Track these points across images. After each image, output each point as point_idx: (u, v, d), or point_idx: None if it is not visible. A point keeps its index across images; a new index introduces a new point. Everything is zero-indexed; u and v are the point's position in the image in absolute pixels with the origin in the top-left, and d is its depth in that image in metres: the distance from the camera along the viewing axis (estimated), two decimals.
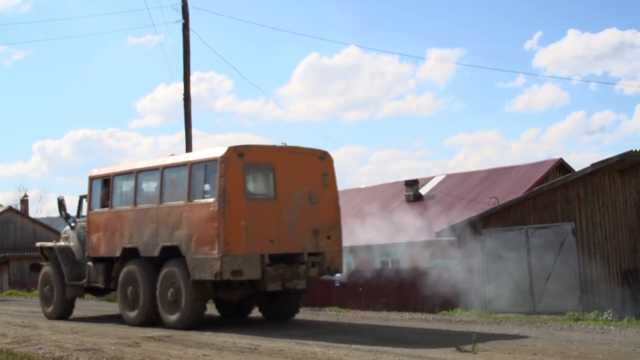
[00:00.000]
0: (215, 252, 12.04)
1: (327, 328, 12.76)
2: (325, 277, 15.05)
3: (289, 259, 12.74)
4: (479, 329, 12.50)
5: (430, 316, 15.64)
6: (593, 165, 16.14)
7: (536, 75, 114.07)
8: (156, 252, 13.18)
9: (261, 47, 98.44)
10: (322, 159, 13.51)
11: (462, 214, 24.03)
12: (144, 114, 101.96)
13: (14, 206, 52.61)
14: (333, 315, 16.16)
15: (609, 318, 14.50)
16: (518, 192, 22.63)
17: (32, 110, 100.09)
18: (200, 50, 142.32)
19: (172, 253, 12.89)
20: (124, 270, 13.78)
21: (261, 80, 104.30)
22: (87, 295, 17.32)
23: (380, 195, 32.80)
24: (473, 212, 21.12)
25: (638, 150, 15.96)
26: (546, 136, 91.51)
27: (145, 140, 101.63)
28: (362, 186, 35.72)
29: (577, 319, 14.69)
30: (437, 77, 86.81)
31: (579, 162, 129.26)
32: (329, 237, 13.19)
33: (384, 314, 16.19)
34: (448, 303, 17.95)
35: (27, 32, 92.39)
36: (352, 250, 28.39)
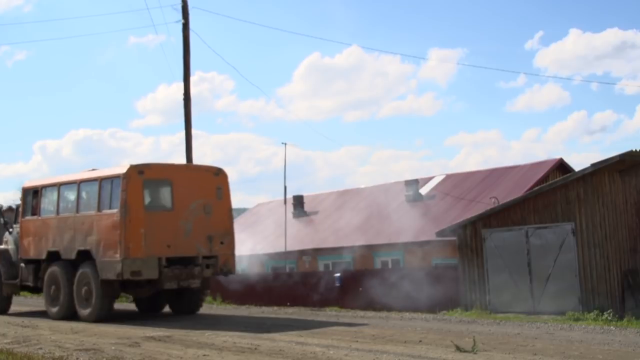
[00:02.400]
0: (118, 255, 14.01)
1: (325, 328, 12.77)
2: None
3: (185, 262, 14.69)
4: (479, 329, 12.51)
5: (430, 316, 15.65)
6: (593, 165, 16.14)
7: (537, 75, 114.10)
8: (73, 255, 15.09)
9: (262, 47, 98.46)
10: (217, 174, 15.59)
11: (462, 214, 24.04)
12: (144, 113, 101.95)
13: (14, 206, 52.54)
14: (333, 315, 16.16)
15: (609, 318, 14.51)
16: (518, 192, 22.62)
17: (33, 110, 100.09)
18: (202, 51, 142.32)
19: (86, 256, 14.80)
20: (48, 270, 15.68)
21: (262, 80, 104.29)
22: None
23: (380, 195, 32.80)
24: (473, 212, 21.11)
25: (638, 150, 15.97)
26: (547, 136, 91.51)
27: (146, 140, 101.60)
28: (362, 186, 35.73)
29: (577, 319, 14.70)
30: (438, 77, 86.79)
31: (579, 162, 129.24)
32: (222, 243, 15.25)
33: (384, 314, 16.20)
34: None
35: (28, 32, 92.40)
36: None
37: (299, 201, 35.36)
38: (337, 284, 20.90)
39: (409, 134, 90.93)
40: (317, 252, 30.19)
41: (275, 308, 18.61)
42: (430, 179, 31.98)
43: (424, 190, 30.74)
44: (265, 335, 11.31)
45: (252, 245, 33.44)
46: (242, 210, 45.86)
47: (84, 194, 15.36)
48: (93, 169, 15.97)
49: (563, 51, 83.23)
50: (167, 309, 17.03)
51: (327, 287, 21.00)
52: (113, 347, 10.02)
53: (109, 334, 11.77)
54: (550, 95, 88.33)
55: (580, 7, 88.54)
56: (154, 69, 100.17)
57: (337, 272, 21.78)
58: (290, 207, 33.76)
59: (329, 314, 16.60)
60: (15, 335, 11.97)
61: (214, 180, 15.45)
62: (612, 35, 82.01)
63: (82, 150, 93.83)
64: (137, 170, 14.29)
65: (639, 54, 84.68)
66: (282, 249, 29.94)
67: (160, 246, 14.32)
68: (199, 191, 15.06)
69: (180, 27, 23.57)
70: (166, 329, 12.46)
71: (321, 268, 29.37)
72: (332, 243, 29.95)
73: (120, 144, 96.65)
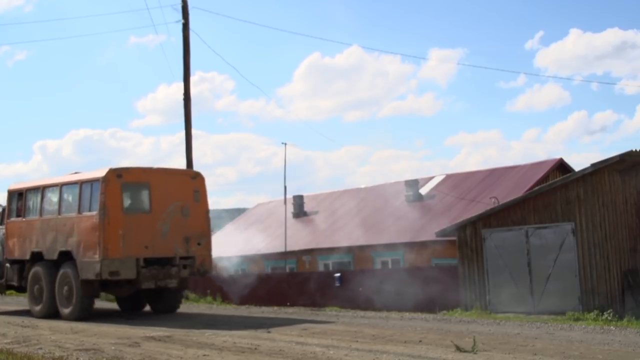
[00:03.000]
0: (97, 256, 14.50)
1: (325, 328, 12.77)
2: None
3: (163, 262, 15.18)
4: (479, 329, 12.51)
5: (430, 316, 15.65)
6: (593, 165, 16.14)
7: (537, 75, 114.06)
8: (55, 256, 15.55)
9: (262, 47, 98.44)
10: (194, 178, 16.15)
11: (462, 214, 24.04)
12: (145, 113, 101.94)
13: None
14: (333, 315, 16.16)
15: (609, 318, 14.50)
16: (518, 192, 22.63)
17: (33, 110, 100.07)
18: (202, 51, 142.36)
19: (67, 257, 15.26)
20: (32, 270, 16.15)
21: (262, 80, 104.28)
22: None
23: (380, 195, 32.80)
24: (473, 212, 21.11)
25: (638, 150, 15.97)
26: (547, 136, 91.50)
27: (147, 140, 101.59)
28: (362, 186, 35.73)
29: (577, 319, 14.70)
30: (438, 77, 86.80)
31: (579, 162, 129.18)
32: (199, 244, 15.74)
33: (384, 314, 16.19)
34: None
35: (29, 32, 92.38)
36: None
37: (299, 201, 35.36)
38: (337, 284, 20.92)
39: (409, 134, 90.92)
40: (317, 252, 30.18)
41: (276, 308, 18.62)
42: (430, 179, 31.98)
43: (424, 190, 30.73)
44: (265, 335, 11.32)
45: (252, 246, 33.45)
46: (242, 210, 45.85)
47: (65, 197, 15.81)
48: (75, 172, 16.57)
49: (563, 51, 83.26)
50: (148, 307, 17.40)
51: (320, 286, 21.11)
52: (113, 347, 10.02)
53: (109, 334, 11.77)
54: (551, 95, 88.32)
55: (580, 7, 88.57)
56: (154, 69, 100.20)
57: (336, 273, 21.81)
58: (290, 207, 33.76)
59: (329, 313, 16.60)
60: (15, 335, 11.97)
61: (192, 183, 15.95)
62: (612, 35, 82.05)
63: (82, 151, 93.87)
64: (116, 174, 14.82)
65: (639, 54, 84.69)
66: (282, 249, 29.94)
67: (138, 247, 14.81)
68: (177, 194, 15.53)
69: (180, 27, 23.58)
70: (166, 329, 12.46)
71: (321, 268, 29.38)
72: (332, 243, 29.94)
73: (121, 144, 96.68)
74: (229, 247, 34.68)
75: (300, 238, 31.81)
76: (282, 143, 30.70)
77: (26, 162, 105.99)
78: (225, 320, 14.70)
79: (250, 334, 11.51)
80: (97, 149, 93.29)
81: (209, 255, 16.05)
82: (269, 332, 11.89)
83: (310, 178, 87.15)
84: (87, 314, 15.02)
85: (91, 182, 15.06)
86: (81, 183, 15.31)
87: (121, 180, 14.84)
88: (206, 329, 12.54)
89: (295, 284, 22.44)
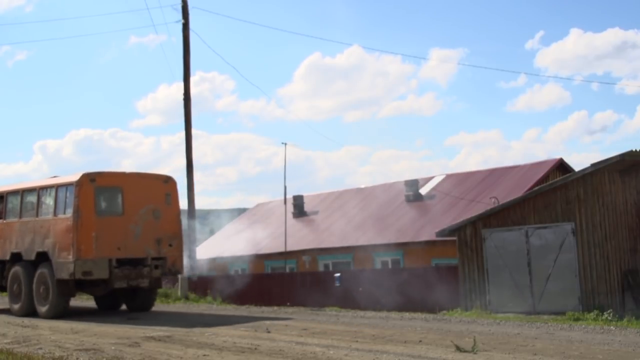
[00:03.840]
0: (71, 257, 15.08)
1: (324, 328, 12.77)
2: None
3: (135, 263, 15.80)
4: (479, 329, 12.50)
5: (430, 316, 15.65)
6: (593, 165, 16.14)
7: (537, 75, 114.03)
8: (33, 257, 16.09)
9: (263, 47, 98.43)
10: (166, 182, 16.69)
11: (462, 214, 24.04)
12: (145, 113, 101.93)
13: None
14: (333, 315, 16.16)
15: (609, 318, 14.50)
16: (518, 192, 22.63)
17: (34, 110, 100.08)
18: (202, 51, 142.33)
19: (44, 257, 15.82)
20: (12, 271, 16.65)
21: (262, 80, 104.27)
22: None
23: (380, 195, 32.80)
24: (473, 212, 21.11)
25: (638, 150, 15.96)
26: (547, 136, 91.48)
27: (147, 140, 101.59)
28: (362, 186, 35.72)
29: (577, 319, 14.69)
30: (439, 77, 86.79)
31: (579, 162, 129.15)
32: (170, 245, 16.34)
33: (384, 314, 16.19)
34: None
35: (29, 32, 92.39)
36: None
37: (299, 201, 35.36)
38: (337, 284, 20.94)
39: (410, 134, 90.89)
40: (317, 252, 30.18)
41: (275, 308, 18.61)
42: (430, 179, 31.98)
43: (424, 190, 30.74)
44: (265, 335, 11.32)
45: (252, 246, 33.44)
46: (242, 210, 45.86)
47: (43, 200, 16.41)
48: (54, 177, 17.17)
49: (563, 51, 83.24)
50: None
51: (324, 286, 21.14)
52: (113, 347, 10.02)
53: (109, 334, 11.77)
54: (551, 95, 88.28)
55: (581, 6, 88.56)
56: (155, 68, 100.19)
57: (336, 273, 21.83)
58: (290, 207, 33.76)
59: (329, 313, 16.60)
60: (15, 335, 11.97)
61: (164, 187, 16.57)
62: (612, 35, 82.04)
63: (82, 150, 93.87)
64: (89, 179, 15.45)
65: None
66: (282, 249, 29.94)
67: (110, 248, 15.44)
68: (149, 197, 16.17)
69: (180, 27, 23.60)
70: (166, 329, 12.46)
71: (321, 268, 29.39)
72: (332, 243, 29.95)
73: (121, 144, 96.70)
74: (229, 247, 34.69)
75: (300, 238, 31.81)
76: (282, 143, 30.69)
77: (26, 162, 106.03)
78: (225, 320, 14.70)
79: (250, 334, 11.51)
80: (98, 149, 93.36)
81: (180, 256, 16.74)
82: (269, 332, 11.89)
83: (311, 178, 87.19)
84: (62, 313, 15.58)
85: (66, 186, 15.67)
86: (57, 187, 15.92)
87: (94, 184, 15.46)
88: (206, 328, 12.54)
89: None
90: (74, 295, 16.70)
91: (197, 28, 53.28)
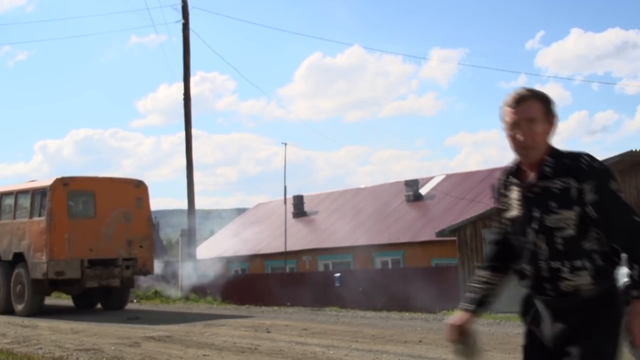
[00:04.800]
0: (44, 257, 15.79)
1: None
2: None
3: (106, 263, 16.56)
4: (479, 329, 12.49)
5: (430, 316, 15.65)
6: None
7: (537, 75, 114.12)
8: (10, 257, 16.80)
9: (263, 47, 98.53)
10: (137, 186, 17.51)
11: (462, 214, 24.05)
12: (145, 113, 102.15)
13: None
14: (333, 315, 16.17)
15: None
16: None
17: (34, 110, 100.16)
18: (203, 51, 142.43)
19: (20, 258, 16.55)
20: None
21: (263, 80, 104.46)
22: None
23: (380, 195, 32.81)
24: (473, 212, 21.12)
25: (638, 150, 15.97)
26: None
27: (148, 140, 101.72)
28: (362, 186, 35.73)
29: None
30: (439, 77, 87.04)
31: None
32: (141, 246, 17.15)
33: (384, 314, 16.20)
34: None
35: (30, 32, 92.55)
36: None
37: (299, 201, 35.37)
38: (337, 284, 20.95)
39: (410, 134, 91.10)
40: (317, 252, 30.19)
41: (275, 308, 18.62)
42: (430, 179, 32.00)
43: (424, 190, 30.75)
44: (265, 335, 11.32)
45: (252, 246, 33.45)
46: (242, 210, 45.88)
47: (19, 203, 17.23)
48: (32, 181, 18.15)
49: (564, 51, 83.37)
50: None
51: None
52: (113, 347, 10.02)
53: (109, 334, 11.77)
54: (551, 95, 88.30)
55: (581, 6, 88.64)
56: (155, 68, 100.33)
57: (336, 273, 21.85)
58: (290, 207, 33.77)
59: (329, 313, 16.61)
60: (15, 335, 11.97)
61: (135, 191, 17.40)
62: (613, 35, 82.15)
63: (83, 150, 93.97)
64: (62, 183, 16.28)
65: None
66: (282, 249, 29.95)
67: (82, 249, 16.23)
68: (120, 201, 16.99)
69: (180, 27, 23.61)
70: (166, 329, 12.47)
71: (321, 268, 29.40)
72: (332, 243, 29.96)
73: (121, 144, 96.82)
74: (229, 247, 34.72)
75: (300, 238, 31.83)
76: (283, 143, 30.64)
77: (27, 162, 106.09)
78: (225, 320, 14.70)
79: (250, 334, 11.51)
80: (98, 149, 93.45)
81: (151, 256, 17.66)
82: (269, 332, 11.89)
83: (311, 178, 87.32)
84: (38, 311, 16.31)
85: (41, 190, 16.46)
86: (33, 191, 16.73)
87: (67, 188, 16.29)
88: (206, 328, 12.55)
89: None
90: (48, 294, 17.46)
91: (197, 28, 53.34)
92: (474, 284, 3.38)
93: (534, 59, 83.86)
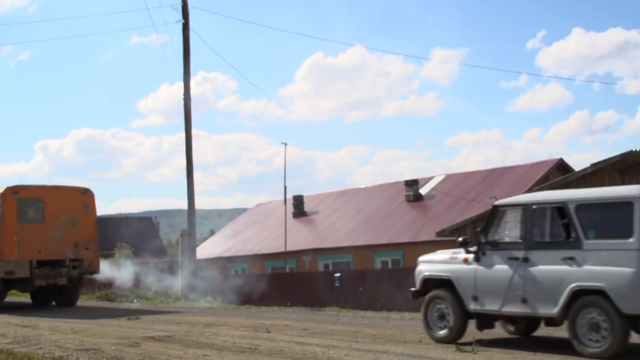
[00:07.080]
0: None
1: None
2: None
3: (54, 264, 18.21)
4: None
5: None
6: (593, 165, 16.16)
7: (538, 75, 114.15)
8: None
9: (264, 47, 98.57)
10: (84, 194, 19.23)
11: (462, 214, 24.05)
12: (146, 113, 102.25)
13: None
14: (333, 315, 16.17)
15: None
16: (518, 192, 22.61)
17: (35, 110, 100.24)
18: (204, 51, 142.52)
19: None
20: None
21: (264, 80, 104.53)
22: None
23: (380, 195, 32.81)
24: (473, 212, 21.11)
25: (638, 150, 15.97)
26: (548, 136, 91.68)
27: (148, 140, 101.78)
28: (362, 186, 35.74)
29: None
30: (440, 77, 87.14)
31: (581, 162, 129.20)
32: (87, 248, 18.85)
33: (384, 314, 16.20)
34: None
35: (32, 32, 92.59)
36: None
37: (299, 201, 35.36)
38: (337, 284, 20.93)
39: (411, 134, 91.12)
40: (317, 252, 30.20)
41: (275, 308, 18.63)
42: (430, 178, 31.99)
43: (424, 190, 30.75)
44: (265, 335, 11.32)
45: (252, 246, 33.46)
46: (242, 210, 45.89)
47: None
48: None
49: (565, 50, 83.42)
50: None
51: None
52: (113, 347, 10.02)
53: (109, 334, 11.78)
54: (552, 95, 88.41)
55: (583, 6, 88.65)
56: (156, 68, 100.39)
57: (336, 272, 21.84)
58: (290, 207, 33.76)
59: (329, 313, 16.61)
60: (15, 335, 11.97)
61: (82, 198, 19.09)
62: (614, 35, 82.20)
63: (83, 150, 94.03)
64: (13, 191, 18.02)
65: None
66: (282, 249, 29.95)
67: (31, 251, 17.87)
68: (68, 207, 18.59)
69: (180, 27, 23.59)
70: (166, 329, 12.47)
71: (321, 268, 29.40)
72: (332, 243, 29.96)
73: (122, 144, 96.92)
74: (229, 247, 34.72)
75: (300, 238, 31.83)
76: (283, 143, 30.59)
77: (27, 162, 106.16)
78: (225, 320, 14.70)
79: (250, 334, 11.51)
80: (99, 149, 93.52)
81: (97, 257, 19.30)
82: (269, 332, 11.90)
83: (312, 178, 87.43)
84: None
85: None
86: None
87: (17, 196, 17.99)
88: (206, 328, 12.55)
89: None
90: (2, 292, 19.35)
91: (197, 28, 53.38)
92: None
93: (535, 58, 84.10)
